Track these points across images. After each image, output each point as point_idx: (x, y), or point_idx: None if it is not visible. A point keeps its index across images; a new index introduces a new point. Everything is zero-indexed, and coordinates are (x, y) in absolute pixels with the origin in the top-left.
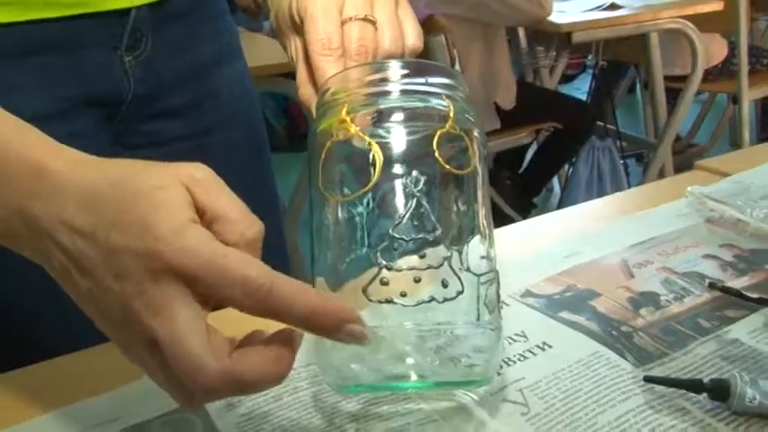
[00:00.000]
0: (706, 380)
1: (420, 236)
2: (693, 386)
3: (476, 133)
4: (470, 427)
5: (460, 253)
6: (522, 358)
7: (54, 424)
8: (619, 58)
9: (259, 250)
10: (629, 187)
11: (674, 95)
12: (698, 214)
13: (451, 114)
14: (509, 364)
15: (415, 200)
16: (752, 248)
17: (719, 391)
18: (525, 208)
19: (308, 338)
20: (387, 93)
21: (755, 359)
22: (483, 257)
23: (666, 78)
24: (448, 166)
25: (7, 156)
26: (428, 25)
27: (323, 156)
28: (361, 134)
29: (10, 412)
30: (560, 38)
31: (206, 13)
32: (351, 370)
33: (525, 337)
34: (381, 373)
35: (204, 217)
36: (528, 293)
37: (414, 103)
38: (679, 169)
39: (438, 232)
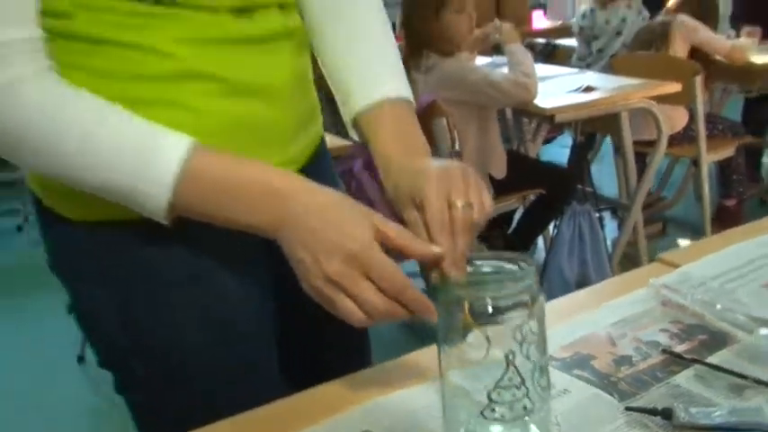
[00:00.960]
0: (660, 408)
1: (512, 388)
2: (652, 412)
3: (540, 299)
4: None
5: (528, 356)
6: (553, 398)
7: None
8: (594, 130)
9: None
10: (607, 246)
11: (643, 156)
12: (655, 299)
13: (530, 306)
14: None
15: (511, 367)
16: (690, 324)
17: (667, 414)
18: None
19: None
20: (484, 295)
21: (689, 396)
22: (540, 365)
23: (636, 143)
24: (524, 343)
25: (249, 182)
26: (432, 110)
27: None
28: (478, 330)
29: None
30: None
31: (325, 167)
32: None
33: (553, 385)
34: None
35: (385, 238)
36: (551, 358)
37: (506, 300)
38: (649, 221)
39: (523, 386)
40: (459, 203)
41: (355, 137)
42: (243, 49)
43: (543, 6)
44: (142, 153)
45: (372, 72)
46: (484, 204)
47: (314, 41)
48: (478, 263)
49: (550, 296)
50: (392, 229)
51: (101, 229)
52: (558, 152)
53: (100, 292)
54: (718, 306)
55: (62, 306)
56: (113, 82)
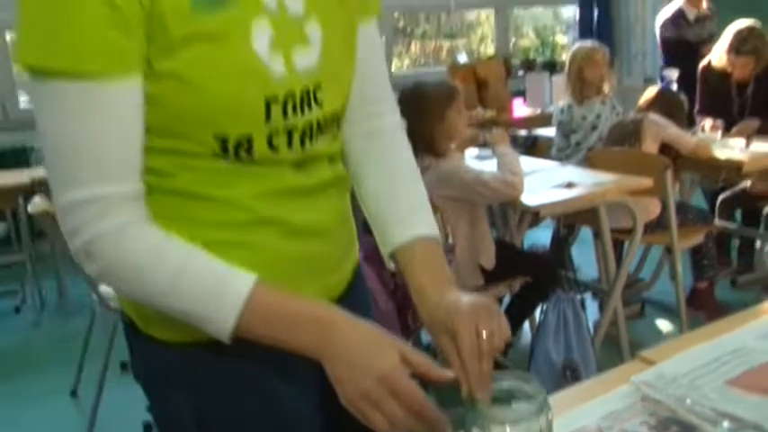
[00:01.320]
0: None
1: None
2: None
3: (549, 414)
4: None
5: None
6: None
7: None
8: (574, 222)
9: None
10: (590, 331)
11: (621, 242)
12: (636, 395)
13: (540, 421)
14: None
15: None
16: (665, 416)
17: None
18: (503, 347)
19: None
20: (504, 420)
21: None
22: None
23: (613, 231)
24: None
25: (299, 313)
26: None
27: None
28: None
29: None
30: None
31: (362, 293)
32: None
33: None
34: None
35: (408, 364)
36: None
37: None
38: (627, 302)
39: None
40: (485, 334)
41: (392, 266)
42: (301, 197)
43: (523, 94)
44: (217, 287)
45: (406, 213)
46: (503, 332)
47: (355, 186)
48: (499, 380)
49: (539, 378)
50: (415, 356)
51: (184, 347)
52: (542, 234)
53: (179, 397)
54: (688, 401)
55: (62, 388)
56: (200, 228)
